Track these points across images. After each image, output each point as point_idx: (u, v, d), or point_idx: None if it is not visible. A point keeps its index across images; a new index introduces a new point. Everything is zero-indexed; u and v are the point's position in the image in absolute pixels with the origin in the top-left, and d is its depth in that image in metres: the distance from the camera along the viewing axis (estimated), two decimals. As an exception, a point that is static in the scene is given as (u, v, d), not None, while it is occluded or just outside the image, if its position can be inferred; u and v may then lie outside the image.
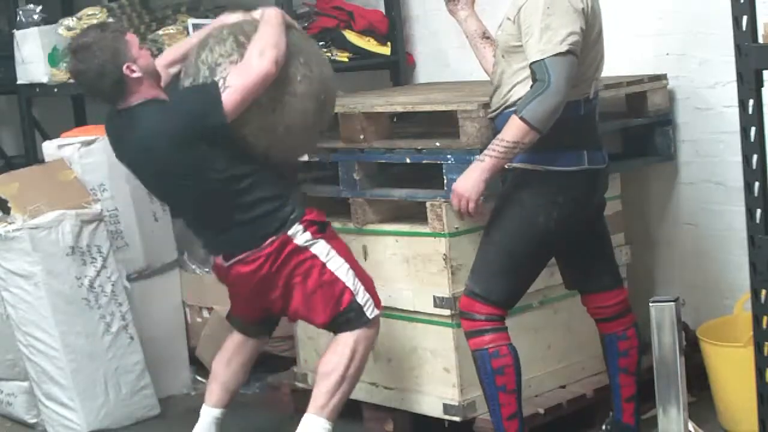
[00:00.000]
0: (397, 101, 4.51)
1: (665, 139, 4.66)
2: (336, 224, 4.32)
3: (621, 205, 4.63)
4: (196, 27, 5.51)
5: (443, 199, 4.10)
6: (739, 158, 3.39)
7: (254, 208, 4.00)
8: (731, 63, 3.37)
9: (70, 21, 6.01)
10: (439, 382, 4.27)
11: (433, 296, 4.21)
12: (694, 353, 4.26)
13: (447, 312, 4.19)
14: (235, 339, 4.44)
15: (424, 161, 4.19)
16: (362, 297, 4.07)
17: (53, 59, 6.15)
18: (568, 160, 3.69)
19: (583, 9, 3.58)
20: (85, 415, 4.87)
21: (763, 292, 3.39)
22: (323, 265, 4.04)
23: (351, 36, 5.50)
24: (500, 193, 3.84)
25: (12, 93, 6.57)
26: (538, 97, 3.51)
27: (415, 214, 4.31)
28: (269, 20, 3.99)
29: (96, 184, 5.10)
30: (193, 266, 5.52)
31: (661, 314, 3.26)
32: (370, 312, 4.08)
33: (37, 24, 6.22)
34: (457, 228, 4.17)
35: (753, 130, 3.32)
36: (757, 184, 3.34)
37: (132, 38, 4.07)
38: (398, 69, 5.65)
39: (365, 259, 4.39)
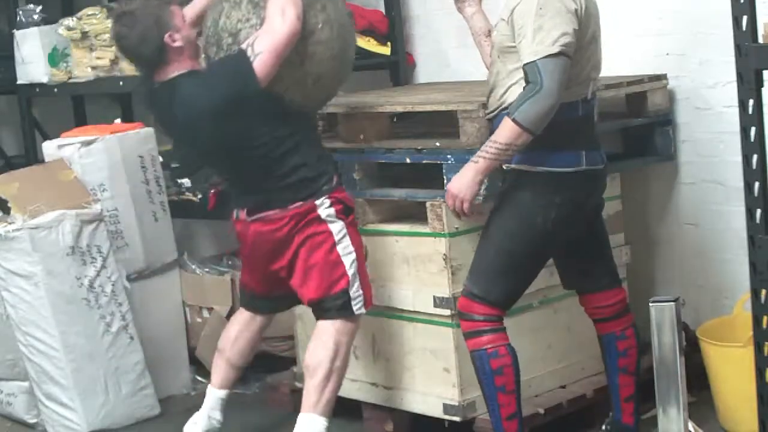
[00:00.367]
0: (397, 101, 4.51)
1: (665, 139, 4.66)
2: (336, 224, 4.32)
3: (621, 205, 4.63)
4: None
5: (443, 200, 4.10)
6: (739, 158, 3.39)
7: (292, 174, 4.06)
8: (731, 63, 3.37)
9: (70, 21, 6.01)
10: (439, 382, 4.27)
11: (433, 296, 4.21)
12: (694, 353, 4.26)
13: (447, 312, 4.19)
14: (241, 316, 4.48)
15: (424, 161, 4.19)
16: (355, 290, 4.12)
17: (53, 59, 6.15)
18: (566, 160, 3.69)
19: (576, 10, 3.58)
20: (85, 415, 4.87)
21: (763, 292, 3.39)
22: (333, 244, 4.09)
23: (351, 36, 5.50)
24: (498, 193, 3.85)
25: (12, 93, 6.57)
26: (530, 99, 3.52)
27: (415, 214, 4.31)
28: None
29: (96, 184, 5.10)
30: (193, 266, 5.52)
31: (661, 314, 3.26)
32: (357, 307, 4.13)
33: (37, 24, 6.22)
34: (457, 228, 4.17)
35: (753, 130, 3.33)
36: (757, 184, 3.34)
37: (176, 9, 4.14)
38: (398, 69, 5.65)
39: (366, 259, 4.39)
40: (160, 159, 5.40)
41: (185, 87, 4.06)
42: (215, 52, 4.11)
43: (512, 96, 3.66)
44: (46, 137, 6.02)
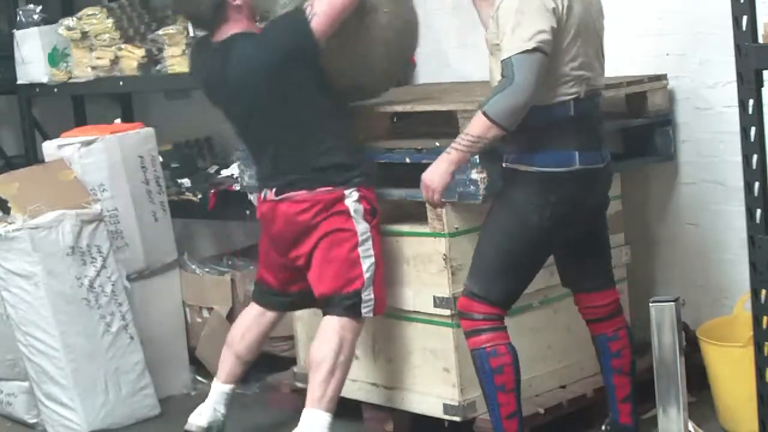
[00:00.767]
0: (397, 101, 4.51)
1: (665, 139, 4.66)
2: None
3: (621, 205, 4.63)
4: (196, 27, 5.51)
5: (443, 199, 4.09)
6: (739, 158, 3.39)
7: (327, 155, 4.11)
8: (731, 63, 3.37)
9: (70, 21, 6.02)
10: (439, 382, 4.27)
11: (433, 296, 4.21)
12: (694, 353, 4.26)
13: (447, 312, 4.19)
14: (252, 311, 4.48)
15: (424, 161, 4.18)
16: (367, 294, 4.15)
17: (53, 59, 6.16)
18: (558, 160, 3.69)
19: (554, 9, 3.59)
20: (85, 415, 4.87)
21: (763, 292, 3.39)
22: (356, 244, 4.13)
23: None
24: (496, 193, 3.85)
25: (12, 93, 6.58)
26: (501, 93, 3.55)
27: (415, 214, 4.31)
28: None
29: (96, 184, 5.10)
30: (193, 266, 5.52)
31: (661, 314, 3.27)
32: (366, 311, 4.16)
33: (37, 24, 6.23)
34: (457, 228, 4.17)
35: (753, 130, 3.33)
36: (757, 184, 3.34)
37: None
38: (398, 69, 5.65)
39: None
40: (160, 159, 5.41)
41: (241, 45, 4.10)
42: (272, 14, 4.18)
43: None
44: (46, 137, 6.02)
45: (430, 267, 4.23)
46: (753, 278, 3.40)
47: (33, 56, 6.19)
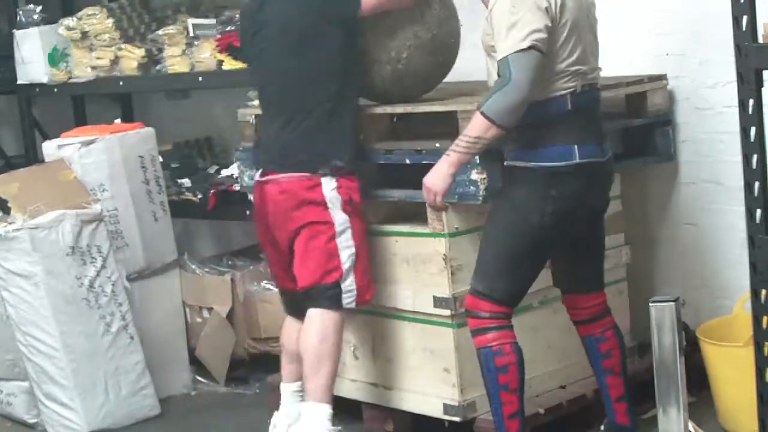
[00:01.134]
0: (397, 102, 4.51)
1: (665, 139, 4.66)
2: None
3: (621, 205, 4.63)
4: (196, 27, 5.52)
5: (443, 200, 4.10)
6: (739, 158, 3.39)
7: (319, 137, 4.16)
8: (731, 63, 3.37)
9: (70, 21, 6.02)
10: (439, 382, 4.27)
11: (433, 296, 4.21)
12: (694, 353, 4.26)
13: (447, 312, 4.19)
14: (289, 323, 4.45)
15: (424, 162, 4.18)
16: (348, 284, 4.18)
17: (53, 59, 6.16)
18: (557, 155, 3.70)
19: (547, 8, 3.61)
20: (85, 415, 4.87)
21: (763, 292, 3.40)
22: (333, 235, 4.16)
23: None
24: (498, 191, 3.86)
25: (12, 93, 6.58)
26: (498, 92, 3.57)
27: (415, 214, 4.31)
28: None
29: (96, 184, 5.10)
30: (193, 266, 5.52)
31: (661, 314, 3.27)
32: (348, 301, 4.19)
33: (37, 24, 6.23)
34: (457, 228, 4.17)
35: (753, 130, 3.33)
36: (757, 184, 3.34)
37: None
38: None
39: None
40: (160, 159, 5.41)
41: None
42: None
43: None
44: (46, 137, 6.02)
45: (430, 267, 4.23)
46: (753, 278, 3.41)
47: (33, 56, 6.19)
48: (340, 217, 4.17)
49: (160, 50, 5.75)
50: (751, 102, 3.32)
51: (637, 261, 4.73)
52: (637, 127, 4.61)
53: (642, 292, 4.62)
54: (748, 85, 3.31)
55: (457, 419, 4.23)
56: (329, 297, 4.18)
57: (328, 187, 4.16)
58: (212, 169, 5.97)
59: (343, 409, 4.40)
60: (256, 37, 4.31)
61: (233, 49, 5.34)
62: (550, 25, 3.61)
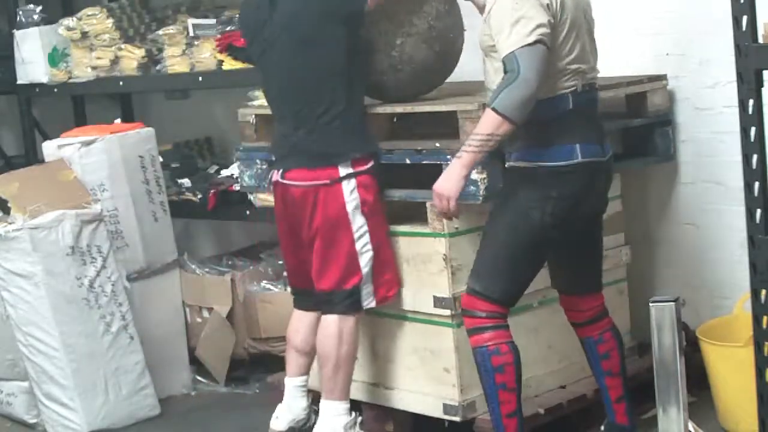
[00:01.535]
0: (397, 102, 4.50)
1: (665, 139, 4.66)
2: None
3: (621, 205, 4.63)
4: (196, 27, 5.52)
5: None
6: (739, 158, 3.39)
7: (334, 132, 4.15)
8: (731, 63, 3.37)
9: (70, 21, 6.02)
10: (439, 382, 4.27)
11: (433, 296, 4.21)
12: (694, 353, 4.26)
13: (447, 312, 4.19)
14: (297, 317, 4.46)
15: (424, 162, 4.18)
16: (367, 287, 4.21)
17: (53, 59, 6.16)
18: (559, 155, 3.70)
19: (548, 5, 3.62)
20: (85, 415, 4.87)
21: (763, 292, 3.40)
22: (353, 240, 4.17)
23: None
24: (499, 192, 3.86)
25: (12, 93, 6.58)
26: (508, 87, 3.55)
27: (415, 214, 4.31)
28: None
29: (96, 184, 5.10)
30: (193, 266, 5.52)
31: (661, 314, 3.27)
32: (367, 302, 4.23)
33: (37, 24, 6.23)
34: (457, 228, 4.17)
35: (753, 130, 3.33)
36: (757, 184, 3.34)
37: None
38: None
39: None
40: (160, 159, 5.41)
41: None
42: None
43: None
44: (46, 137, 6.02)
45: (430, 267, 4.23)
46: (753, 278, 3.41)
47: (33, 56, 6.20)
48: (359, 221, 4.18)
49: (160, 50, 5.75)
50: (751, 102, 3.32)
51: (637, 261, 4.73)
52: (637, 127, 4.61)
53: (642, 292, 4.63)
54: (748, 85, 3.31)
55: (457, 419, 4.23)
56: (348, 304, 4.20)
57: (348, 188, 4.15)
58: (212, 169, 5.97)
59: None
60: (262, 35, 4.29)
61: (233, 49, 5.33)
62: (552, 21, 3.62)
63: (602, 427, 4.07)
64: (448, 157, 4.07)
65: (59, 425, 4.91)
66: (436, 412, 4.29)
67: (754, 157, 3.34)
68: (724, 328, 4.32)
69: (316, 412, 4.37)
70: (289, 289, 4.66)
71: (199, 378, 5.43)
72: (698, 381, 4.29)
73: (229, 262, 5.58)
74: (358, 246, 4.18)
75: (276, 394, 4.95)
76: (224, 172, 5.74)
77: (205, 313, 5.42)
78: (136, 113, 6.76)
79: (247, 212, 5.28)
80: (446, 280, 4.18)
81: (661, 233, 4.85)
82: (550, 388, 4.39)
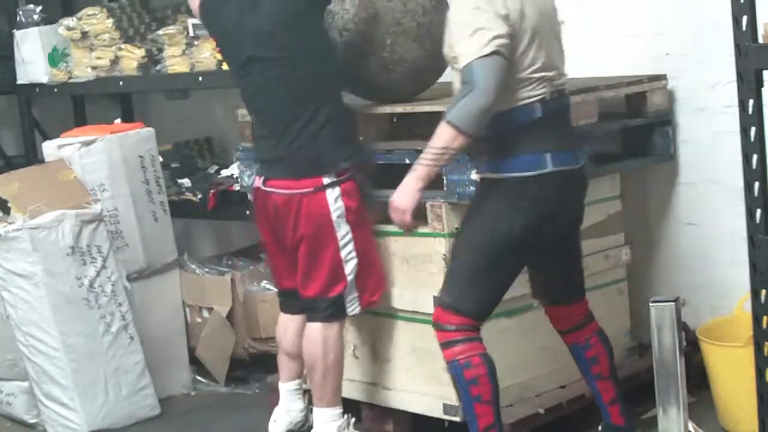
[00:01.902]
0: (397, 102, 4.51)
1: (665, 139, 4.66)
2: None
3: (621, 205, 4.63)
4: (196, 27, 5.52)
5: (443, 200, 4.10)
6: (739, 158, 3.39)
7: (323, 127, 4.10)
8: (731, 63, 3.37)
9: (70, 21, 6.02)
10: (439, 382, 4.26)
11: (433, 296, 4.20)
12: (694, 353, 4.26)
13: (447, 312, 4.18)
14: (284, 320, 4.45)
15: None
16: (352, 295, 4.21)
17: (53, 59, 6.16)
18: (527, 164, 3.64)
19: (506, 15, 3.55)
20: (85, 415, 4.87)
21: (763, 292, 3.40)
22: (337, 248, 4.15)
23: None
24: (469, 204, 3.84)
25: (12, 93, 6.58)
26: (463, 100, 3.50)
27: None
28: None
29: (96, 184, 5.10)
30: (193, 266, 5.52)
31: (661, 314, 3.27)
32: (351, 309, 4.23)
33: (37, 24, 6.23)
34: (457, 228, 4.16)
35: (753, 130, 3.33)
36: (757, 184, 3.34)
37: None
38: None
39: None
40: (160, 159, 5.41)
41: None
42: None
43: None
44: (46, 137, 6.02)
45: (429, 267, 4.23)
46: (753, 278, 3.41)
47: (33, 56, 6.19)
48: (343, 229, 4.15)
49: (160, 50, 5.75)
50: (751, 102, 3.32)
51: (637, 261, 4.73)
52: (637, 127, 4.61)
53: (642, 292, 4.63)
54: (748, 85, 3.31)
55: (456, 419, 4.23)
56: (331, 312, 4.19)
57: (332, 196, 4.12)
58: (212, 169, 5.97)
59: (343, 409, 4.39)
60: (235, 47, 4.21)
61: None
62: (511, 31, 3.56)
63: (600, 428, 4.07)
64: (448, 157, 4.07)
65: (59, 425, 4.91)
66: (436, 412, 4.29)
67: (754, 157, 3.34)
68: (724, 328, 4.32)
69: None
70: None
71: (199, 378, 5.43)
72: (698, 381, 4.29)
73: (229, 262, 5.58)
74: (342, 254, 4.16)
75: (276, 395, 4.96)
76: (224, 172, 5.74)
77: (205, 313, 5.42)
78: (136, 113, 6.76)
79: (247, 212, 5.27)
80: (446, 280, 4.17)
81: (661, 233, 4.85)
82: (550, 389, 4.39)
